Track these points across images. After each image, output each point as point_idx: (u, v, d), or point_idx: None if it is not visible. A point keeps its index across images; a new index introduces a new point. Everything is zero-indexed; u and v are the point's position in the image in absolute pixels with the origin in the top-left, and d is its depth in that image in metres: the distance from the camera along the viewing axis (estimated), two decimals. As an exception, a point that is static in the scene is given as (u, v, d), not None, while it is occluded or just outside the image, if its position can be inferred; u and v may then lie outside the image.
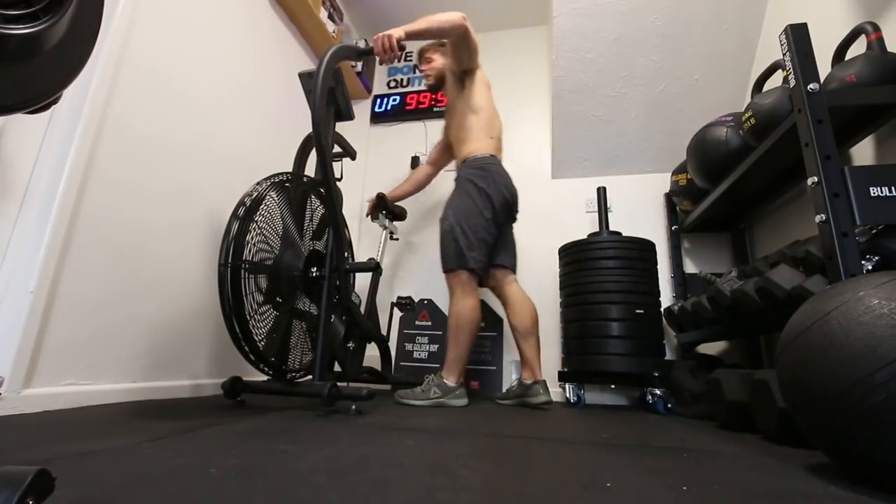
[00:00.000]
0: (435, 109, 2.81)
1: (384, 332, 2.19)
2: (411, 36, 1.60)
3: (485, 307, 2.34)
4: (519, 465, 0.74)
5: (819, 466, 0.77)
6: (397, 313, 2.35)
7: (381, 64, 1.70)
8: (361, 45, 1.68)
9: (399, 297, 2.18)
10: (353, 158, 1.88)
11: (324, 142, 1.33)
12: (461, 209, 1.70)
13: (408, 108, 2.85)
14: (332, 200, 1.37)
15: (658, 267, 1.94)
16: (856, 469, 0.66)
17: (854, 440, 0.62)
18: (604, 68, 2.27)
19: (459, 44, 1.72)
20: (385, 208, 2.12)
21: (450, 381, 1.62)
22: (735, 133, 1.63)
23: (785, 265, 1.23)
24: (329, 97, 1.50)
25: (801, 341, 0.70)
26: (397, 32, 1.56)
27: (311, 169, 1.65)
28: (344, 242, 1.43)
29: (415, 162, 2.70)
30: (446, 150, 2.13)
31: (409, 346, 2.31)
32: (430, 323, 2.34)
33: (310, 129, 1.44)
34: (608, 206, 2.17)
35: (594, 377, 1.84)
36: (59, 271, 1.10)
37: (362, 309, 1.85)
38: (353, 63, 2.74)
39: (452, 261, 1.67)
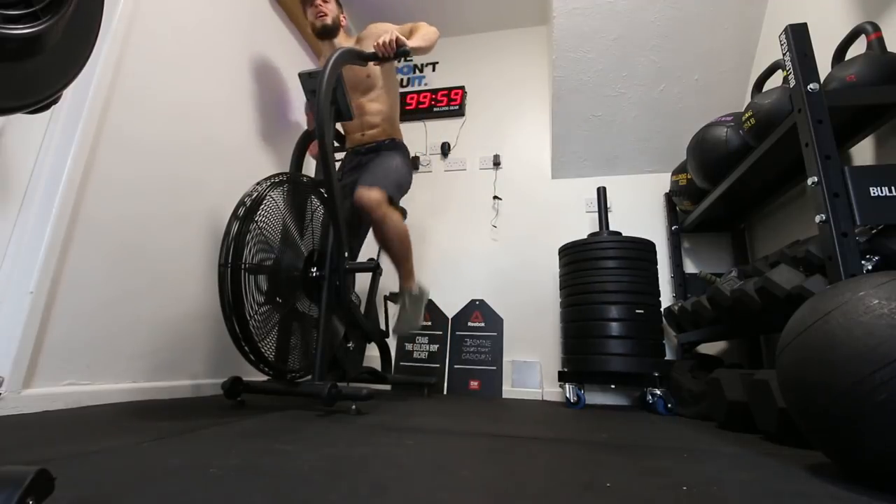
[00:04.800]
0: (435, 109, 2.81)
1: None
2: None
3: (485, 307, 2.35)
4: (519, 465, 0.74)
5: (819, 466, 0.77)
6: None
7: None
8: (361, 45, 1.67)
9: (392, 292, 2.17)
10: (354, 158, 1.88)
11: (326, 141, 1.33)
12: (404, 168, 1.88)
13: (408, 107, 2.84)
14: (333, 200, 1.37)
15: (658, 267, 1.94)
16: (856, 469, 0.66)
17: (854, 440, 0.62)
18: (604, 68, 2.27)
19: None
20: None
21: (414, 288, 1.79)
22: (735, 133, 1.63)
23: (785, 265, 1.23)
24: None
25: (801, 341, 0.70)
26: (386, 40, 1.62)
27: (308, 167, 1.65)
28: (344, 242, 1.43)
29: (415, 162, 2.70)
30: None
31: (409, 346, 2.32)
32: (429, 323, 2.34)
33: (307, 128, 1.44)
34: (608, 206, 2.18)
35: (594, 377, 1.84)
36: (59, 271, 1.10)
37: (362, 309, 1.85)
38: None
39: (394, 192, 1.75)
